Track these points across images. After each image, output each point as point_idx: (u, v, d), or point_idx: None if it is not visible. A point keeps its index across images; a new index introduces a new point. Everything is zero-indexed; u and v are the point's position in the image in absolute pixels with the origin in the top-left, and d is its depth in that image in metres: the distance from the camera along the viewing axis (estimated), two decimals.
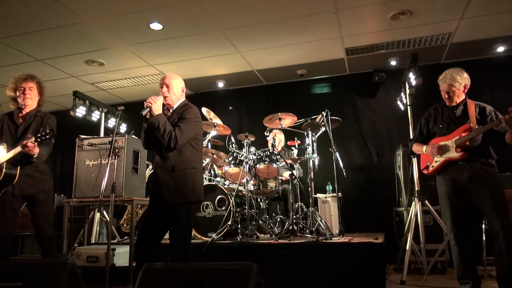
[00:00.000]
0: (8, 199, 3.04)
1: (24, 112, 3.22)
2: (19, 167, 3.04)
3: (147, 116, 2.74)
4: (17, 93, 3.18)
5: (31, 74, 3.24)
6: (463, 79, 3.07)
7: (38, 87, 3.24)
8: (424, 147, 3.19)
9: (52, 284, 2.04)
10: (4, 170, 3.01)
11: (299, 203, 4.75)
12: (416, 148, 3.31)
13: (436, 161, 3.12)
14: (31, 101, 3.20)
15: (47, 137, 2.91)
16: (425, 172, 3.25)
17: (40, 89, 3.25)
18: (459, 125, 3.04)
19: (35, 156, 2.98)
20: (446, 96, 3.11)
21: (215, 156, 4.94)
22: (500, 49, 5.44)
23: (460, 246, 2.99)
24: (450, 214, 3.04)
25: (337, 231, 4.43)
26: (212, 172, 5.20)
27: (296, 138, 5.12)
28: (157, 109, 2.72)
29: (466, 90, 3.11)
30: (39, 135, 2.91)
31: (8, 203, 3.05)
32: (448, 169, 3.06)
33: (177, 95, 2.90)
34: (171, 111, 2.91)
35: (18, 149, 2.96)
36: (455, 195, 3.03)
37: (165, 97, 2.86)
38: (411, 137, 3.98)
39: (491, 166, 2.98)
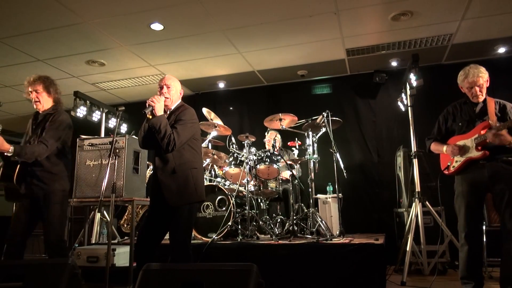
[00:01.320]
0: (23, 200, 3.02)
1: (40, 112, 3.22)
2: (18, 166, 3.00)
3: (148, 116, 2.73)
4: (29, 97, 3.18)
5: (37, 76, 3.19)
6: (486, 72, 3.01)
7: (44, 88, 3.18)
8: (445, 147, 3.12)
9: (52, 284, 2.04)
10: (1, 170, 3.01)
11: (300, 204, 4.75)
12: (434, 147, 3.25)
13: (457, 161, 3.06)
14: (40, 104, 3.18)
15: None
16: (446, 172, 3.18)
17: (47, 88, 3.19)
18: (479, 122, 2.98)
19: (8, 154, 2.86)
20: (477, 91, 3.00)
21: (215, 156, 4.94)
22: (501, 50, 5.43)
23: (471, 246, 2.94)
24: (465, 213, 2.98)
25: (337, 232, 4.42)
26: (213, 172, 5.20)
27: (296, 139, 5.13)
28: (160, 109, 2.71)
29: (488, 84, 3.04)
30: None
31: (23, 203, 3.03)
32: (469, 169, 3.00)
33: (175, 97, 2.90)
34: (168, 112, 2.91)
35: None
36: (472, 195, 2.98)
37: (167, 100, 2.87)
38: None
39: None
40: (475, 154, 2.95)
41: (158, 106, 2.71)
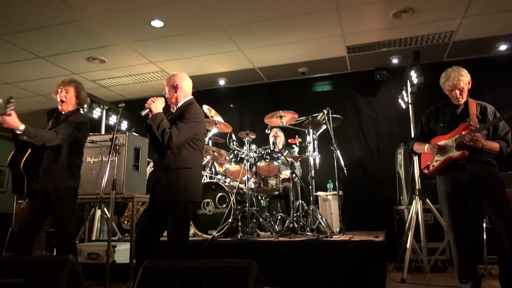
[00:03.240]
0: (35, 194, 3.04)
1: (63, 112, 3.25)
2: (28, 151, 3.04)
3: (145, 115, 2.77)
4: (58, 96, 3.22)
5: (72, 79, 3.27)
6: (467, 74, 3.05)
7: (75, 91, 3.23)
8: (426, 146, 3.17)
9: (53, 281, 2.05)
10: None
11: (300, 201, 4.75)
12: (417, 147, 3.29)
13: (436, 161, 3.10)
14: (65, 104, 3.21)
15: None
16: (425, 171, 3.23)
17: (77, 92, 3.24)
18: (460, 124, 3.02)
19: (19, 132, 2.85)
20: (457, 94, 3.04)
21: (216, 153, 4.94)
22: (503, 47, 5.41)
23: (460, 246, 2.97)
24: (450, 214, 3.02)
25: (337, 229, 4.43)
26: (213, 169, 5.20)
27: (297, 136, 5.12)
28: (156, 109, 2.76)
29: (469, 86, 3.07)
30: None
31: (35, 198, 3.04)
32: (449, 169, 3.04)
33: (184, 93, 2.95)
34: (175, 108, 2.94)
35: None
36: (455, 195, 3.01)
37: (169, 98, 2.91)
38: (412, 135, 3.97)
39: (492, 165, 2.96)
40: (455, 154, 2.98)
41: (154, 106, 2.75)
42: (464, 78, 3.02)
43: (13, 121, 2.81)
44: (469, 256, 2.97)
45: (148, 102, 2.77)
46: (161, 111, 2.78)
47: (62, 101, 3.19)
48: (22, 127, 2.84)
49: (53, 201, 2.99)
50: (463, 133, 2.95)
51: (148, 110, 2.74)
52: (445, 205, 3.07)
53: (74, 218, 3.10)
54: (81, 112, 3.33)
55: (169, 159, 2.74)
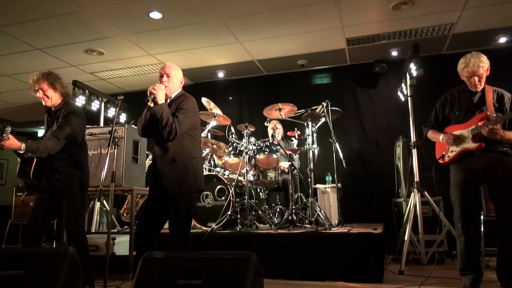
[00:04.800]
0: (42, 191, 3.06)
1: (53, 108, 3.22)
2: (35, 161, 3.02)
3: (150, 104, 2.69)
4: (37, 95, 3.18)
5: (39, 74, 3.18)
6: (487, 61, 2.94)
7: (49, 85, 3.17)
8: (441, 136, 3.08)
9: (53, 273, 2.05)
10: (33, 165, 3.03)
11: (299, 194, 4.76)
12: (431, 135, 3.21)
13: (452, 151, 3.04)
14: (49, 101, 3.17)
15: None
16: (440, 161, 3.15)
17: (52, 85, 3.17)
18: (476, 112, 2.96)
19: (20, 151, 2.88)
20: (476, 81, 2.94)
21: (215, 146, 4.95)
22: (502, 40, 5.40)
23: (468, 237, 2.93)
24: (461, 204, 2.97)
25: (336, 222, 4.45)
26: (212, 162, 5.20)
27: (296, 129, 5.12)
28: (161, 97, 2.69)
29: (488, 73, 2.98)
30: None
31: (42, 195, 3.07)
32: (464, 159, 2.98)
33: (175, 86, 2.89)
34: (168, 101, 2.90)
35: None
36: (468, 185, 2.96)
37: (167, 88, 2.84)
38: (411, 127, 3.93)
39: (508, 155, 2.90)
40: (471, 145, 2.93)
41: (160, 94, 2.68)
42: (484, 64, 2.92)
43: (13, 143, 2.83)
44: (474, 248, 2.95)
45: (152, 87, 2.68)
46: (164, 100, 2.74)
47: (45, 99, 3.16)
48: (23, 146, 2.86)
49: (62, 197, 3.03)
50: (479, 123, 2.88)
51: (153, 96, 2.66)
52: (455, 195, 3.01)
53: (85, 212, 3.10)
54: (70, 102, 3.27)
55: (173, 151, 2.73)
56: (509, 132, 2.84)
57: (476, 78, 2.95)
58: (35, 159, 3.03)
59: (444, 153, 3.11)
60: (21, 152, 2.90)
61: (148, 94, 2.66)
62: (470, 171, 2.96)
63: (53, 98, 3.18)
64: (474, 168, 2.93)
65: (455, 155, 3.03)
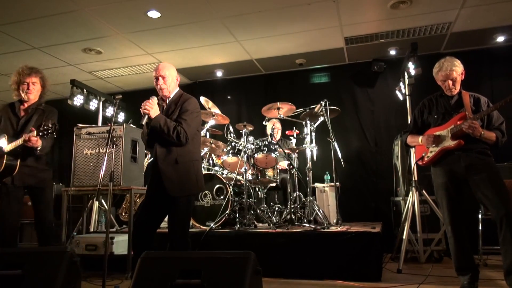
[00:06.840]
0: (12, 190, 3.08)
1: (26, 105, 3.23)
2: (19, 159, 3.08)
3: (147, 121, 2.76)
4: (20, 87, 3.18)
5: (35, 69, 3.23)
6: (460, 65, 3.02)
7: (41, 81, 3.25)
8: (420, 138, 3.15)
9: (51, 272, 2.05)
10: (5, 162, 3.04)
11: (297, 193, 4.76)
12: (410, 139, 3.27)
13: (431, 151, 3.08)
14: (33, 96, 3.22)
15: (49, 131, 2.95)
16: (420, 163, 3.20)
17: (44, 83, 3.26)
18: (454, 114, 3.01)
19: (38, 148, 3.03)
20: (450, 84, 3.02)
21: (213, 145, 4.94)
22: (500, 38, 5.41)
23: (457, 238, 2.95)
24: (447, 205, 3.00)
25: (334, 221, 4.46)
26: (211, 161, 5.20)
27: (294, 128, 5.12)
28: (155, 112, 2.73)
29: (463, 77, 3.05)
30: (41, 129, 2.94)
31: (13, 194, 3.09)
32: (444, 160, 3.03)
33: (172, 85, 2.90)
34: (167, 101, 2.90)
35: (19, 141, 3.00)
36: (452, 186, 2.99)
37: (161, 89, 2.85)
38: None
39: (487, 155, 2.95)
40: (450, 144, 2.96)
41: (153, 111, 2.72)
42: (457, 68, 3.00)
43: (38, 140, 3.00)
44: (466, 248, 2.96)
45: (144, 108, 2.71)
46: (158, 112, 2.76)
47: (29, 93, 3.18)
48: (40, 145, 3.04)
49: (36, 193, 3.15)
50: (458, 122, 2.93)
51: (147, 117, 2.72)
52: (441, 197, 3.06)
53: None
54: (43, 103, 3.35)
55: (175, 153, 2.74)
56: (488, 131, 2.91)
57: (450, 82, 3.02)
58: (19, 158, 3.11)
59: (423, 154, 3.16)
60: (38, 152, 3.09)
61: (143, 115, 2.72)
62: (453, 171, 2.99)
63: (36, 96, 3.26)
64: (455, 168, 2.97)
65: (434, 155, 3.06)
